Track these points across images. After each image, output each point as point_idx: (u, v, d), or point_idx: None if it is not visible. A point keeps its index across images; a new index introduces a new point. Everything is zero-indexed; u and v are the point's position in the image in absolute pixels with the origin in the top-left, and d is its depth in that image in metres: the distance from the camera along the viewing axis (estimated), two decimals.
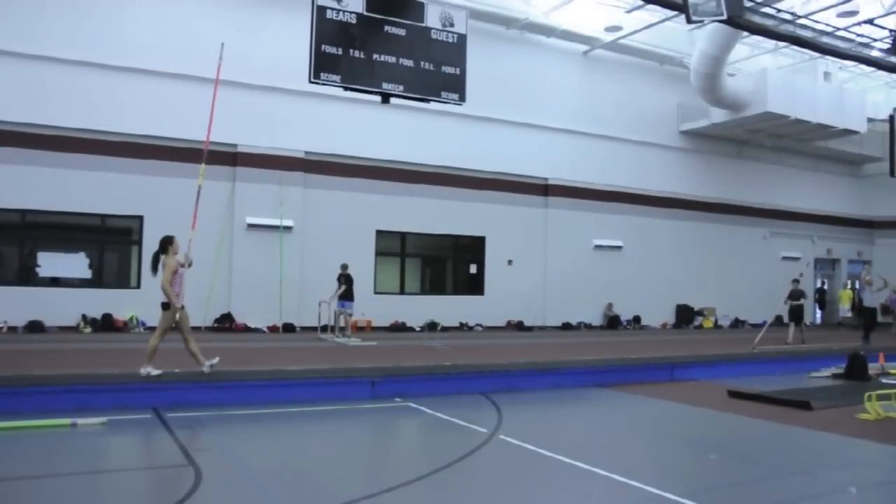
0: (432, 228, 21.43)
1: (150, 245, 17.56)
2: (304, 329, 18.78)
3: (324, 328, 17.61)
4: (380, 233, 20.73)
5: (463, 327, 21.39)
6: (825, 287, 31.62)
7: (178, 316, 9.10)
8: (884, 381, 12.25)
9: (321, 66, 11.73)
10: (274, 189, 18.93)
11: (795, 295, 18.62)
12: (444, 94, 13.02)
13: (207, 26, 18.14)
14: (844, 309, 28.11)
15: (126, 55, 17.37)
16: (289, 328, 18.82)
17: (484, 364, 11.36)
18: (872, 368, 13.10)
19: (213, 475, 5.84)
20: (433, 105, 14.31)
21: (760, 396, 10.30)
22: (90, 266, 17.68)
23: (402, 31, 12.40)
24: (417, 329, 19.92)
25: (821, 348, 16.66)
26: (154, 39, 17.77)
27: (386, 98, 12.54)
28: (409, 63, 12.49)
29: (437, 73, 12.85)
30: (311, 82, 11.79)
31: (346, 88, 12.29)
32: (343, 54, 11.88)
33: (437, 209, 21.25)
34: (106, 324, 16.91)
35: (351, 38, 11.96)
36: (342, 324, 17.11)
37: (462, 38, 13.07)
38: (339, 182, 20.03)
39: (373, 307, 19.50)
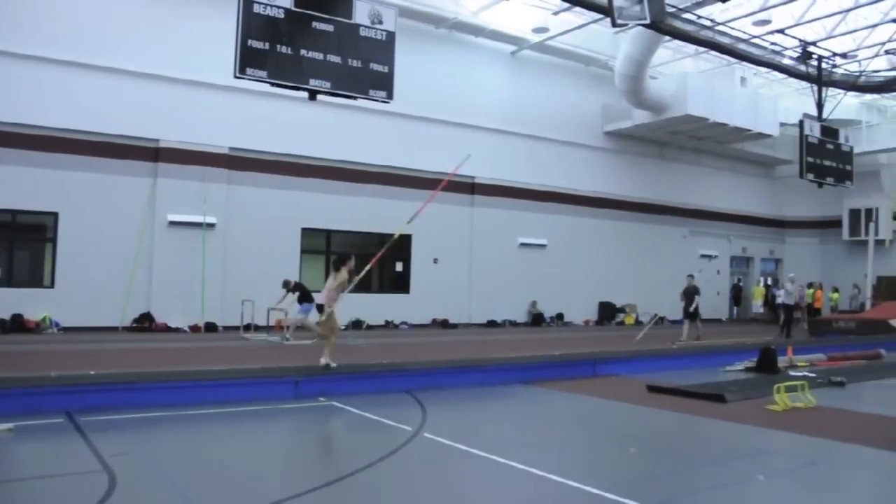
0: (358, 226, 21.33)
1: (65, 243, 17.13)
2: (226, 328, 18.47)
3: (247, 327, 17.34)
4: (305, 230, 20.54)
5: (388, 325, 21.39)
6: (741, 284, 32.76)
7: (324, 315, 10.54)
8: (792, 373, 12.76)
9: (247, 60, 11.52)
10: (197, 186, 18.54)
11: (690, 291, 18.84)
12: (371, 91, 12.94)
13: (129, 18, 17.70)
14: (757, 305, 29.20)
15: (41, 44, 16.70)
16: (211, 327, 18.47)
17: (409, 362, 11.38)
18: (782, 361, 13.65)
19: (128, 481, 5.69)
20: (361, 102, 14.23)
21: (678, 390, 10.61)
22: None
23: (330, 28, 12.28)
24: (342, 328, 19.78)
25: (734, 342, 17.24)
26: (70, 28, 17.15)
27: (313, 95, 12.39)
28: (336, 60, 12.37)
29: (365, 71, 12.76)
30: (236, 77, 11.56)
31: (272, 84, 12.09)
32: (270, 49, 11.69)
33: (364, 207, 21.17)
34: (16, 325, 16.24)
35: (278, 33, 11.77)
36: (310, 326, 16.90)
37: (391, 36, 13.02)
38: (265, 179, 19.76)
39: (297, 306, 19.29)
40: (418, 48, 21.20)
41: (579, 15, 22.12)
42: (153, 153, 18.21)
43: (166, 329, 17.92)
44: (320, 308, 10.72)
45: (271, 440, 7.73)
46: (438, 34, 22.41)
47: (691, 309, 18.86)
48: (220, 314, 18.65)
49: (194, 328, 18.32)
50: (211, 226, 18.73)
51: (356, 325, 20.16)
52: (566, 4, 20.02)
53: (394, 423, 8.12)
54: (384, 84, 12.98)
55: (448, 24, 22.20)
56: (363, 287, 22.40)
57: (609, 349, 14.72)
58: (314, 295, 16.00)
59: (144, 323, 17.77)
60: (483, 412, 9.54)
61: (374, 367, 10.74)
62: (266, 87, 12.82)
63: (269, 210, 19.69)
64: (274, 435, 7.98)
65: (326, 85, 12.27)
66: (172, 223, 18.25)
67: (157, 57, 18.02)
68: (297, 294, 16.44)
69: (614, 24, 14.22)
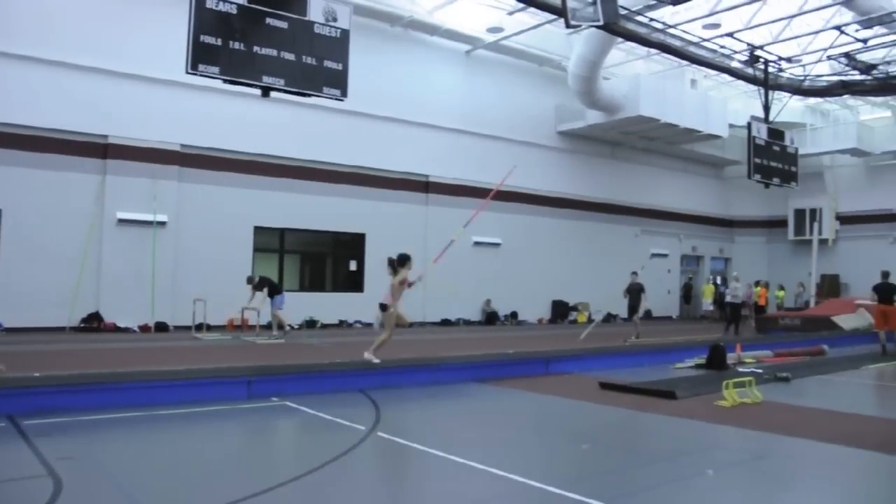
0: (312, 225, 21.23)
1: (9, 241, 16.66)
2: (177, 328, 18.20)
3: (199, 327, 17.10)
4: (258, 229, 20.35)
5: (342, 324, 21.30)
6: (691, 282, 33.36)
7: (388, 314, 11.53)
8: (740, 369, 13.03)
9: (199, 56, 11.34)
10: (147, 183, 18.26)
11: (634, 289, 18.95)
12: (325, 89, 12.85)
13: (77, 11, 17.36)
14: (707, 303, 29.75)
15: None
16: (162, 327, 18.20)
17: (363, 361, 11.33)
18: (730, 358, 13.92)
19: (74, 485, 5.55)
20: (315, 100, 14.14)
21: (629, 387, 10.74)
22: None
23: (284, 24, 12.16)
24: (296, 327, 19.64)
25: (684, 340, 17.54)
26: (13, 20, 16.74)
27: (266, 92, 12.26)
28: (290, 57, 12.26)
29: (319, 68, 12.67)
30: (188, 73, 11.39)
31: (225, 81, 11.92)
32: (223, 45, 11.52)
33: (317, 205, 21.07)
34: None
35: (231, 29, 11.61)
36: (283, 320, 16.80)
37: (345, 34, 12.95)
38: (217, 177, 19.54)
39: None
40: (373, 46, 21.16)
41: (534, 15, 22.27)
42: (102, 149, 17.85)
43: (115, 329, 17.60)
44: (384, 307, 11.66)
45: (222, 441, 7.63)
46: (393, 32, 22.39)
47: (643, 307, 19.07)
48: (171, 314, 18.37)
49: (144, 328, 18.01)
50: (162, 224, 18.44)
51: (310, 324, 20.03)
52: (521, 5, 20.14)
53: (347, 422, 8.07)
54: (338, 82, 12.91)
55: (403, 22, 22.19)
56: (317, 286, 22.40)
57: (562, 347, 14.85)
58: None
59: (93, 323, 17.43)
60: (437, 411, 9.55)
61: (327, 366, 10.69)
62: (219, 84, 12.67)
63: (221, 208, 19.46)
64: (225, 436, 7.88)
65: (280, 82, 12.15)
66: (122, 221, 17.94)
67: (107, 51, 17.68)
68: (265, 290, 16.33)
69: (568, 25, 14.36)
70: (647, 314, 29.87)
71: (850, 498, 5.93)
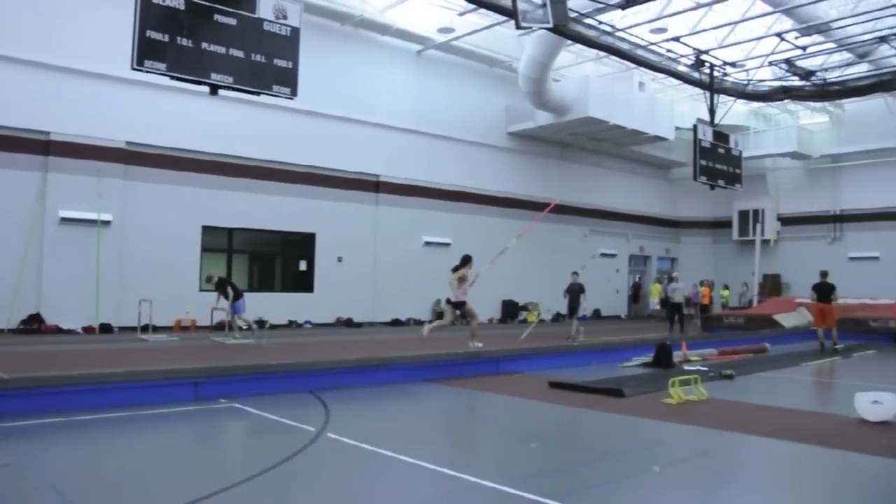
0: (261, 224, 20.99)
1: None
2: (122, 329, 17.83)
3: (144, 328, 16.77)
4: (206, 228, 20.04)
5: (292, 325, 21.12)
6: (639, 282, 33.87)
7: (462, 309, 13.71)
8: (686, 367, 13.29)
9: (145, 52, 11.11)
10: (91, 181, 17.83)
11: (574, 289, 18.75)
12: (275, 87, 12.70)
13: (18, 2, 16.85)
14: (654, 302, 30.22)
15: None
16: (106, 329, 17.80)
17: (312, 362, 11.25)
18: (676, 356, 14.19)
19: (10, 493, 5.40)
20: (264, 98, 13.96)
21: (578, 386, 10.87)
22: None
23: (232, 21, 11.98)
24: (244, 327, 19.36)
25: (632, 339, 17.80)
26: None
27: (214, 89, 12.07)
28: (239, 54, 12.08)
29: (268, 66, 12.52)
30: (133, 69, 11.13)
31: (172, 77, 11.70)
32: (170, 41, 11.30)
33: (267, 205, 20.84)
34: None
35: (178, 24, 11.40)
36: (241, 323, 16.45)
37: (295, 32, 12.82)
38: (164, 175, 19.17)
39: (198, 306, 18.79)
40: (324, 45, 21.03)
41: (484, 16, 22.35)
42: (43, 146, 17.38)
43: (57, 331, 17.15)
44: (458, 305, 13.75)
45: (167, 445, 7.49)
46: (344, 31, 22.25)
47: (582, 307, 18.92)
48: (116, 315, 17.99)
49: (88, 329, 17.60)
50: (106, 223, 18.03)
51: (259, 324, 19.78)
52: (471, 6, 20.22)
53: (296, 423, 8.01)
54: (288, 80, 12.78)
55: (354, 21, 22.07)
56: (266, 286, 22.15)
57: (512, 347, 14.95)
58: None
59: (33, 324, 16.95)
60: (387, 411, 9.53)
61: (276, 367, 10.56)
62: (166, 81, 12.45)
63: (168, 207, 19.12)
64: (170, 439, 7.74)
65: (228, 80, 11.97)
66: (64, 220, 17.48)
67: (49, 46, 17.21)
68: (228, 290, 16.04)
69: (518, 27, 14.43)
70: (596, 313, 30.29)
71: (790, 491, 6.09)
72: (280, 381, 10.21)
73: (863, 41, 22.67)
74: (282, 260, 22.76)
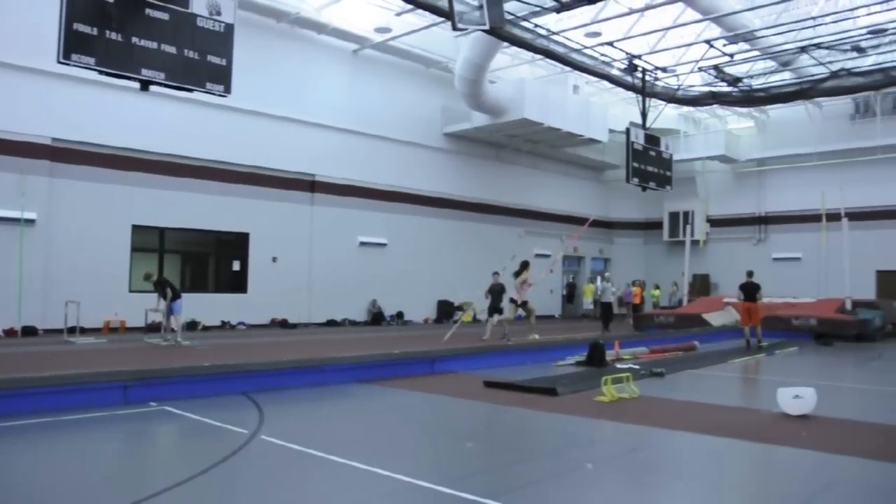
0: (194, 224, 20.59)
1: None
2: (48, 332, 17.25)
3: (71, 330, 16.27)
4: (136, 227, 19.56)
5: (225, 326, 20.78)
6: (574, 282, 34.35)
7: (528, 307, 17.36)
8: (618, 366, 13.52)
9: (72, 45, 10.76)
10: (14, 178, 17.22)
11: (495, 289, 18.51)
12: (208, 84, 12.45)
13: None
14: (588, 302, 30.70)
15: None
16: (30, 331, 17.20)
17: (246, 363, 11.07)
18: (609, 355, 14.42)
19: None
20: (198, 96, 13.70)
21: (513, 385, 10.96)
22: None
23: (164, 16, 11.71)
24: (175, 329, 18.96)
25: (566, 338, 18.03)
26: None
27: (145, 85, 11.77)
28: (171, 50, 11.81)
29: (201, 63, 12.27)
30: (60, 62, 10.78)
31: (101, 72, 11.37)
32: (98, 35, 10.97)
33: (200, 204, 20.46)
34: None
35: (108, 17, 11.07)
36: (174, 325, 15.79)
37: (230, 28, 12.61)
38: (92, 172, 18.65)
39: (128, 307, 18.36)
40: (259, 42, 20.76)
41: (421, 17, 22.37)
42: None
43: None
44: (521, 303, 17.69)
45: (93, 451, 7.27)
46: (280, 29, 21.99)
47: (505, 308, 18.70)
48: (40, 317, 17.41)
49: (10, 332, 16.98)
50: (30, 222, 17.44)
51: (191, 326, 19.41)
52: (408, 6, 20.21)
53: (229, 426, 7.88)
54: (222, 77, 12.56)
55: (290, 19, 21.84)
56: (199, 286, 21.73)
57: (447, 347, 14.99)
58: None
59: None
60: (322, 412, 9.45)
61: (208, 369, 10.36)
62: (94, 75, 12.06)
63: (96, 205, 18.59)
64: (96, 445, 7.50)
65: (160, 76, 11.70)
66: None
67: None
68: (167, 290, 15.54)
69: (455, 28, 14.49)
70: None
71: (718, 484, 6.26)
72: (212, 384, 10.02)
73: (785, 50, 23.50)
74: (215, 260, 22.36)
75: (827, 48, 22.09)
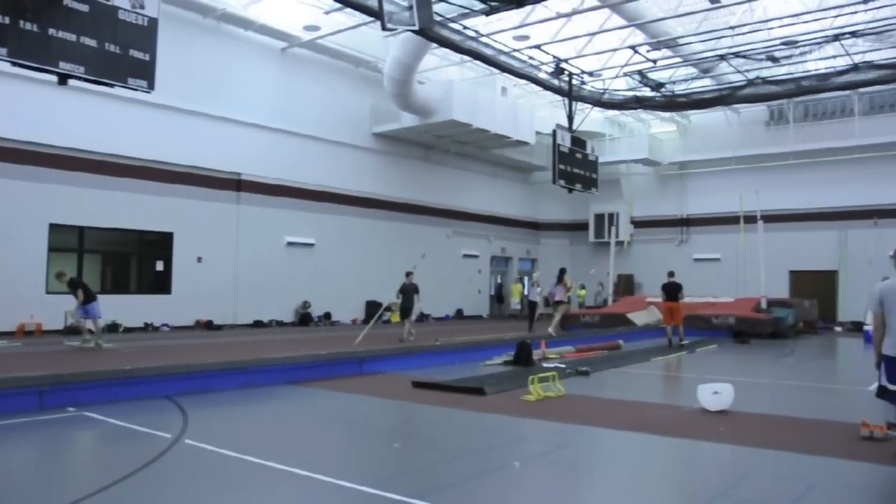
0: (115, 223, 19.99)
1: None
2: None
3: None
4: (54, 226, 18.87)
5: (148, 328, 20.26)
6: (501, 282, 34.67)
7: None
8: (544, 365, 13.72)
9: None
10: None
11: (407, 290, 18.28)
12: (131, 80, 12.11)
13: None
14: (515, 302, 31.05)
15: None
16: None
17: (169, 366, 10.83)
18: (536, 354, 14.63)
19: None
20: (120, 91, 13.32)
21: (441, 385, 11.01)
22: None
23: (84, 7, 11.32)
24: (93, 332, 18.37)
25: (494, 338, 18.20)
26: None
27: (63, 79, 11.38)
28: (91, 43, 11.44)
29: (123, 57, 11.92)
30: None
31: (14, 64, 10.93)
32: (11, 24, 10.53)
33: (121, 202, 19.89)
34: None
35: (22, 7, 10.63)
36: (92, 327, 15.04)
37: (153, 22, 12.29)
38: (5, 169, 17.91)
39: (45, 309, 17.73)
40: (184, 38, 20.34)
41: (350, 16, 22.26)
42: None
43: None
44: (558, 302, 20.35)
45: (10, 458, 7.00)
46: (206, 24, 21.57)
47: (417, 309, 18.58)
48: None
49: None
50: None
51: (111, 328, 18.86)
52: (337, 4, 20.08)
53: (152, 430, 7.70)
54: (145, 73, 12.24)
55: (216, 14, 21.44)
56: (120, 287, 21.12)
57: (375, 347, 14.97)
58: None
59: None
60: (248, 415, 9.31)
61: (129, 372, 10.09)
62: (7, 67, 11.60)
63: (10, 203, 17.86)
64: (10, 453, 7.20)
65: (79, 69, 11.32)
66: None
67: None
68: (79, 292, 14.78)
69: (384, 28, 14.46)
70: (459, 313, 30.74)
71: (641, 478, 6.43)
72: (134, 387, 9.77)
73: (705, 58, 24.26)
74: (137, 260, 21.76)
75: (744, 57, 22.90)
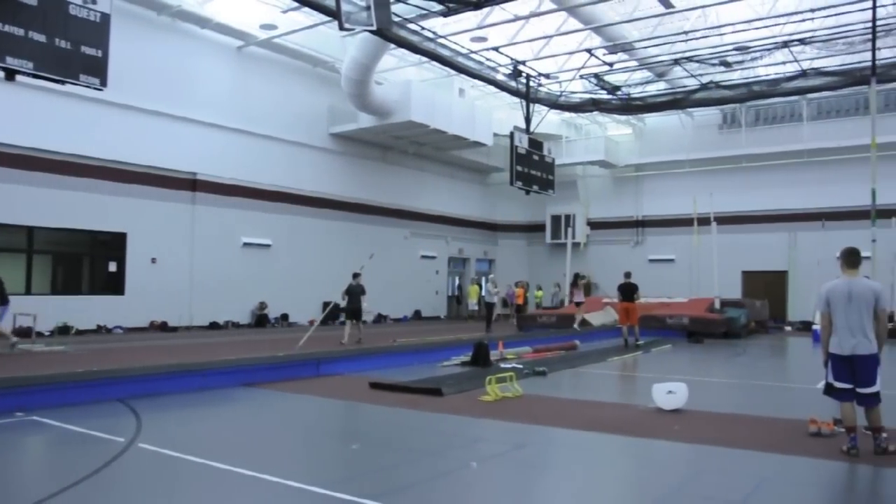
0: (66, 223, 19.57)
1: None
2: None
3: None
4: (1, 226, 18.41)
5: (101, 330, 19.88)
6: (459, 283, 34.77)
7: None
8: (502, 365, 13.79)
9: None
10: None
11: (353, 291, 17.67)
12: (83, 76, 11.90)
13: None
14: (473, 303, 31.15)
15: None
16: None
17: (122, 368, 10.66)
18: (494, 355, 14.70)
19: None
20: (73, 88, 13.05)
21: (398, 386, 11.01)
22: None
23: (32, 1, 11.12)
24: (47, 333, 18.01)
25: (452, 339, 18.24)
26: None
27: (11, 74, 11.13)
28: (41, 38, 11.20)
29: (75, 53, 11.71)
30: None
31: None
32: None
33: (73, 202, 19.49)
34: None
35: None
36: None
37: (106, 18, 12.09)
38: None
39: None
40: (138, 35, 20.04)
41: (308, 15, 22.15)
42: None
43: None
44: (579, 302, 23.00)
45: None
46: (161, 22, 21.24)
47: (365, 310, 18.12)
48: None
49: None
50: None
51: (63, 330, 18.47)
52: (295, 3, 19.98)
53: (104, 434, 7.57)
54: (97, 70, 12.04)
55: (171, 11, 21.12)
56: (72, 289, 20.68)
57: (332, 349, 14.91)
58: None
59: None
60: (203, 418, 9.21)
61: (81, 375, 9.90)
62: None
63: None
64: None
65: (28, 65, 11.10)
66: None
67: None
68: None
69: (342, 28, 14.41)
70: (417, 314, 30.74)
71: (597, 477, 6.51)
72: (86, 391, 9.58)
73: (660, 62, 24.65)
74: (90, 261, 21.34)
75: (697, 61, 23.33)
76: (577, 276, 23.50)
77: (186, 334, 20.29)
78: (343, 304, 17.72)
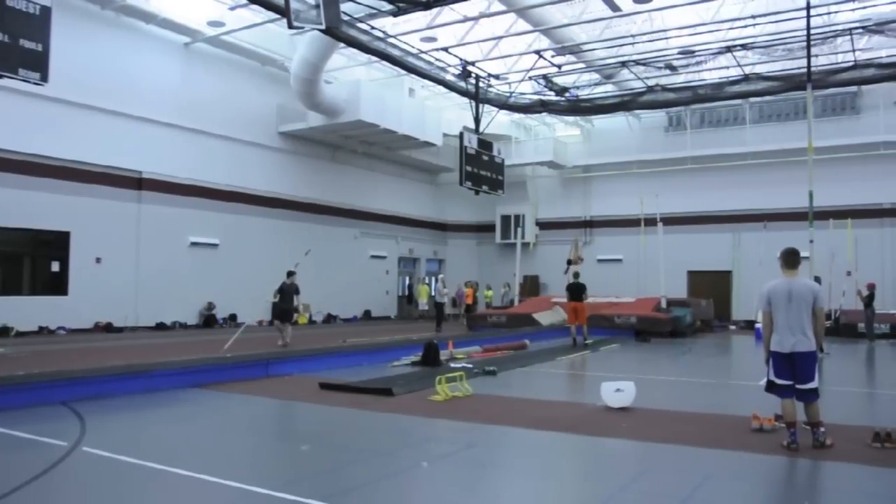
0: (6, 222, 19.06)
1: None
2: None
3: None
4: None
5: (43, 331, 19.40)
6: (410, 283, 34.77)
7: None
8: (452, 365, 13.85)
9: None
10: None
11: (287, 289, 17.20)
12: (22, 71, 11.60)
13: None
14: (423, 303, 31.19)
15: None
16: None
17: (65, 370, 10.43)
18: (443, 354, 14.76)
19: None
20: (10, 83, 12.71)
21: (348, 387, 10.99)
22: None
23: None
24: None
25: (402, 339, 18.25)
26: None
27: None
28: None
29: (13, 47, 11.41)
30: None
31: None
32: None
33: (13, 200, 18.98)
34: None
35: None
36: None
37: (46, 11, 11.81)
38: None
39: None
40: (81, 29, 19.65)
41: (257, 13, 21.93)
42: None
43: None
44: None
45: None
46: (105, 16, 20.82)
47: (298, 309, 17.63)
48: None
49: None
50: None
51: (2, 332, 17.97)
52: (243, 0, 19.76)
53: (46, 439, 7.41)
54: (38, 64, 11.76)
55: (115, 6, 20.72)
56: (12, 289, 20.13)
57: (281, 349, 14.79)
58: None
59: None
60: (150, 420, 9.06)
61: (21, 377, 9.65)
62: None
63: None
64: None
65: None
66: None
67: None
68: None
69: (290, 27, 14.30)
70: (367, 314, 30.67)
71: (547, 475, 6.60)
72: (27, 394, 9.35)
73: (608, 64, 25.00)
74: (31, 261, 20.78)
75: (644, 64, 23.71)
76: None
77: (132, 335, 19.94)
78: (275, 300, 17.18)
